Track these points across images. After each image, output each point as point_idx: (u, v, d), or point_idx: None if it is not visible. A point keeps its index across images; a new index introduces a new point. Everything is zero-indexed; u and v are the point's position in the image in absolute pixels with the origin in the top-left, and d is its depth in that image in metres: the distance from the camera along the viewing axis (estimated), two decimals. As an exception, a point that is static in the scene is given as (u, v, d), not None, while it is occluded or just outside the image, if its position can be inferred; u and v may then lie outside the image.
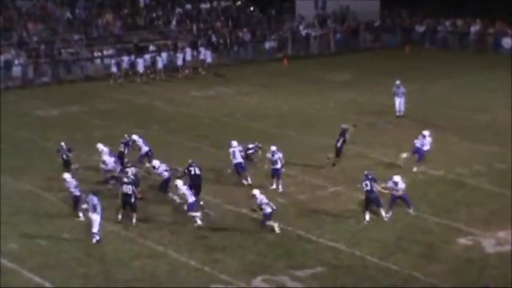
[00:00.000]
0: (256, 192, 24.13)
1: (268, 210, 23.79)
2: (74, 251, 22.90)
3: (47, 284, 20.89)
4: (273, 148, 27.80)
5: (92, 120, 38.55)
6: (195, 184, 26.42)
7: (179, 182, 25.01)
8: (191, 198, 24.65)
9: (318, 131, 35.11)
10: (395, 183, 24.84)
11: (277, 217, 25.05)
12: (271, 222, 23.83)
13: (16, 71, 48.51)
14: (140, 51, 51.50)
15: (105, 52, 51.96)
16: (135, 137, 29.90)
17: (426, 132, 29.33)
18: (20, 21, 53.34)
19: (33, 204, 26.59)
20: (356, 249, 22.63)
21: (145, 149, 29.61)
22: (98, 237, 23.35)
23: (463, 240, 23.17)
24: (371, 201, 24.94)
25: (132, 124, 37.08)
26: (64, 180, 25.43)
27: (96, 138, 32.21)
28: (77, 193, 25.29)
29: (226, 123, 37.43)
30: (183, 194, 24.87)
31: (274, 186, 27.74)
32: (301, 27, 59.41)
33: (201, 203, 25.94)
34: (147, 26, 56.51)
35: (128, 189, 24.84)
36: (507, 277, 20.61)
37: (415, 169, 28.95)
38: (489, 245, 22.82)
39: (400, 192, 24.85)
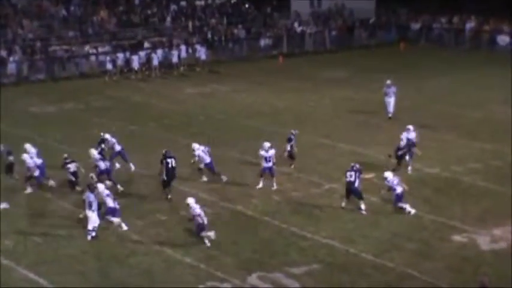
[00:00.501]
0: (191, 201, 23.18)
1: (200, 221, 22.92)
2: (70, 248, 22.89)
3: (42, 281, 20.88)
4: (267, 144, 27.63)
5: (87, 117, 38.50)
6: (171, 177, 26.52)
7: (101, 186, 24.40)
8: (112, 204, 24.11)
9: (313, 128, 35.13)
10: (386, 179, 25.01)
11: (272, 214, 25.13)
12: (204, 233, 22.90)
13: (11, 67, 48.44)
14: (135, 48, 51.44)
15: (100, 49, 51.88)
16: (107, 136, 29.69)
17: (410, 127, 29.41)
18: (15, 18, 53.26)
19: (28, 201, 26.57)
20: (351, 247, 22.66)
21: (117, 148, 29.46)
22: (93, 234, 23.35)
23: (458, 238, 23.22)
24: (351, 192, 25.31)
25: (127, 121, 37.13)
26: None
27: (92, 135, 32.21)
28: None
29: (221, 121, 37.43)
30: (104, 198, 24.09)
31: (260, 185, 27.54)
32: (296, 25, 59.40)
33: (169, 196, 26.27)
34: (142, 23, 56.44)
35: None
36: (502, 274, 20.65)
37: (409, 170, 28.89)
38: (484, 242, 22.88)
39: (399, 189, 24.89)
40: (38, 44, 50.80)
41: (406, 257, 22.01)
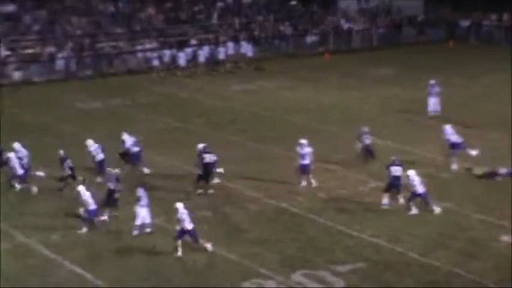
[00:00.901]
0: (179, 205, 22.38)
1: (190, 227, 22.11)
2: (116, 243, 22.98)
3: (88, 275, 21.01)
4: (303, 141, 27.40)
5: (133, 113, 38.72)
6: (206, 172, 26.55)
7: (81, 188, 24.21)
8: (92, 206, 23.93)
9: (359, 126, 34.76)
10: (408, 177, 24.81)
11: (318, 212, 25.02)
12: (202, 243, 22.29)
13: (59, 64, 48.96)
14: (182, 45, 51.65)
15: (147, 46, 52.19)
16: (125, 136, 29.33)
17: (447, 126, 29.10)
18: (64, 14, 53.81)
19: (75, 195, 26.70)
20: (397, 245, 22.46)
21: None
22: (149, 230, 23.41)
23: (506, 238, 22.85)
24: (395, 187, 25.16)
25: (173, 117, 37.28)
26: None
27: (137, 131, 32.32)
28: None
29: (267, 117, 37.38)
30: (85, 200, 23.88)
31: (303, 184, 27.33)
32: (343, 22, 59.15)
33: (208, 191, 26.12)
34: (189, 20, 56.64)
35: (111, 185, 25.07)
36: (551, 275, 20.33)
37: (454, 166, 28.60)
38: (533, 242, 22.53)
39: (418, 189, 24.63)
40: (86, 40, 51.26)
41: (452, 255, 21.75)
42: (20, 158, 27.73)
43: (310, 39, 56.82)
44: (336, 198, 26.35)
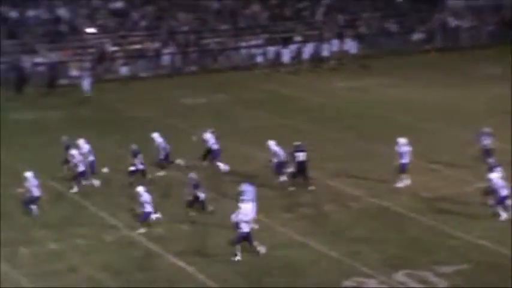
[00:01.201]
0: (242, 206, 22.20)
1: (246, 230, 21.83)
2: (217, 237, 23.15)
3: (190, 269, 21.23)
4: (401, 140, 27.14)
5: (237, 109, 38.97)
6: (299, 170, 26.69)
7: (141, 189, 24.18)
8: (148, 208, 23.90)
9: (465, 125, 34.14)
10: (491, 181, 24.23)
11: (421, 212, 24.63)
12: (253, 244, 21.90)
13: (165, 59, 49.73)
14: (286, 41, 51.69)
15: (251, 42, 52.43)
16: (156, 135, 29.55)
17: None
18: (171, 11, 54.62)
19: (179, 190, 27.00)
20: (503, 247, 21.93)
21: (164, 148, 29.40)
22: (252, 225, 23.41)
23: None
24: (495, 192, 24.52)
25: (276, 114, 37.34)
26: (26, 178, 25.38)
27: (240, 127, 32.57)
28: (36, 194, 25.26)
29: (371, 115, 37.04)
30: (143, 202, 23.96)
31: (401, 184, 26.98)
32: (451, 19, 58.11)
33: (309, 187, 25.91)
34: (294, 17, 56.64)
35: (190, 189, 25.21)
36: None
37: None
38: None
39: (504, 191, 23.96)
40: (192, 36, 51.88)
41: (561, 260, 21.13)
42: (82, 155, 27.91)
43: (416, 36, 56.03)
44: (440, 198, 25.92)
